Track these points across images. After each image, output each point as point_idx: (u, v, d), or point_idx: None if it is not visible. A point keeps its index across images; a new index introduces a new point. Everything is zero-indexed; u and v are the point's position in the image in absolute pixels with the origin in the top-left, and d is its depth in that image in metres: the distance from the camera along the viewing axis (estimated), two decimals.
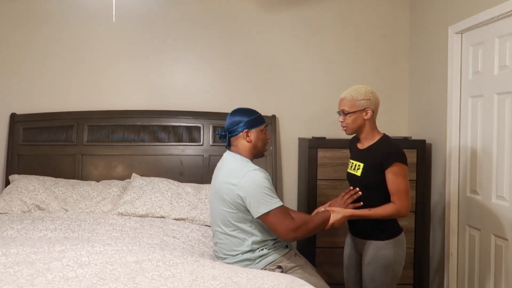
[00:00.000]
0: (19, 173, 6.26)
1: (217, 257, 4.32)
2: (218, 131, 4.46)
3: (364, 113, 4.26)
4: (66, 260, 3.73)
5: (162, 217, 5.49)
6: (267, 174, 4.13)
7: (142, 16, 6.61)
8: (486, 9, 4.90)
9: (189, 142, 6.48)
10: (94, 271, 3.52)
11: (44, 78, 6.56)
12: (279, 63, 6.76)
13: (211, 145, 6.47)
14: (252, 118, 4.32)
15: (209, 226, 5.37)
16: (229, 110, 6.48)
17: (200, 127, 6.48)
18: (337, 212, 4.16)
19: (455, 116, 5.51)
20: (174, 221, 5.43)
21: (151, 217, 5.49)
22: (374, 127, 4.36)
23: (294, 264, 4.21)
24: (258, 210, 3.94)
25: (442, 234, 5.74)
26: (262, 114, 6.40)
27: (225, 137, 4.34)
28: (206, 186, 5.96)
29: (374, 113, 4.31)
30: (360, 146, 4.41)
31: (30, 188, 5.79)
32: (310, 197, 5.93)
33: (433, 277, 6.03)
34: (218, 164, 4.38)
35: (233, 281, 3.53)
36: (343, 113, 4.30)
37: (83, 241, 4.28)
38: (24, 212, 5.55)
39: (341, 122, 4.34)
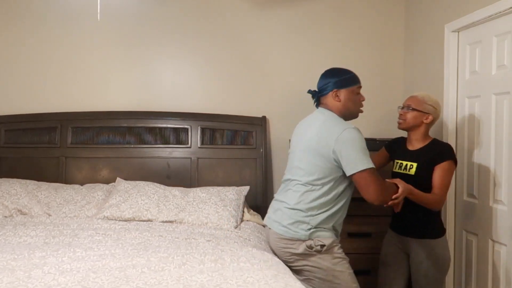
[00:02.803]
0: (0, 176, 6.20)
1: (275, 208, 4.41)
2: (310, 90, 4.43)
3: (425, 117, 4.65)
4: (47, 267, 3.71)
5: (149, 220, 5.43)
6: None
7: (128, 14, 6.56)
8: (484, 7, 4.87)
9: (177, 144, 6.43)
10: (76, 279, 3.49)
11: (26, 78, 6.50)
12: (270, 62, 6.73)
13: (199, 147, 6.41)
14: (342, 78, 4.25)
15: (199, 225, 5.37)
16: (218, 111, 6.52)
17: (188, 129, 6.43)
18: (402, 184, 4.26)
19: (451, 117, 5.48)
20: (162, 223, 5.38)
21: (138, 220, 5.43)
22: (427, 132, 4.74)
23: (343, 255, 4.24)
24: (355, 167, 3.91)
25: None
26: (252, 115, 6.43)
27: (315, 95, 4.37)
28: (193, 189, 5.89)
29: (433, 121, 4.71)
30: (411, 147, 4.77)
31: (12, 192, 5.72)
32: None
33: None
34: (307, 120, 4.39)
35: (219, 274, 3.64)
36: (407, 107, 4.68)
37: (64, 246, 4.26)
38: (5, 217, 5.48)
39: (401, 115, 4.71)
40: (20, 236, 4.66)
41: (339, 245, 4.19)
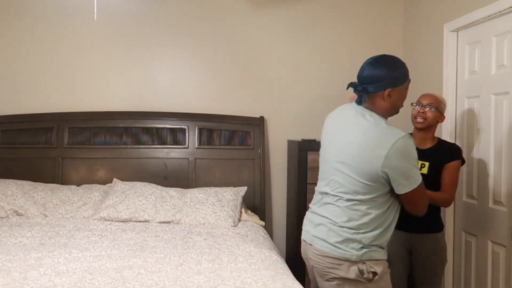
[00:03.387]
0: None
1: (313, 221, 3.77)
2: (352, 83, 3.60)
3: (441, 117, 4.61)
4: (43, 268, 3.71)
5: (146, 221, 5.43)
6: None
7: (125, 14, 6.54)
8: (483, 6, 4.87)
9: (174, 144, 6.43)
10: (72, 280, 3.49)
11: (23, 78, 6.48)
12: (268, 62, 6.73)
13: (197, 148, 6.40)
14: (399, 74, 3.53)
15: (196, 226, 5.36)
16: (215, 111, 6.49)
17: (185, 129, 6.42)
18: None
19: (450, 118, 5.48)
20: (159, 224, 5.37)
21: (135, 221, 5.42)
22: (434, 132, 4.70)
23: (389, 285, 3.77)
24: (409, 185, 3.43)
25: None
26: (250, 116, 6.42)
27: (362, 92, 3.55)
28: (191, 190, 5.89)
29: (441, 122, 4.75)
30: (421, 146, 4.60)
31: (8, 192, 5.70)
32: (300, 202, 5.90)
33: None
34: (343, 121, 3.68)
35: (217, 275, 3.63)
36: (430, 106, 4.53)
37: (60, 247, 4.26)
38: (1, 217, 5.47)
39: (421, 113, 4.54)
40: (16, 237, 4.65)
41: (389, 271, 3.70)
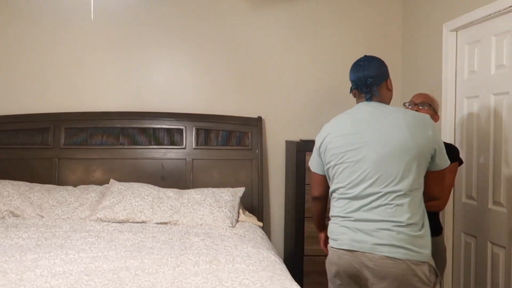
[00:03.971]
0: None
1: (366, 232, 3.53)
2: (357, 84, 3.76)
3: (436, 116, 4.53)
4: (39, 270, 3.71)
5: (143, 222, 5.42)
6: None
7: (122, 13, 6.54)
8: (483, 6, 4.87)
9: (171, 145, 6.42)
10: (69, 282, 3.48)
11: (19, 78, 6.48)
12: (266, 62, 6.72)
13: (194, 148, 6.40)
14: (385, 64, 3.87)
15: (193, 227, 5.35)
16: (213, 111, 6.49)
17: (182, 130, 6.42)
18: None
19: (449, 118, 5.47)
20: (156, 225, 5.37)
21: (132, 222, 5.42)
22: None
23: None
24: (447, 160, 3.64)
25: None
26: (248, 116, 6.42)
27: (369, 88, 3.71)
28: (188, 191, 5.89)
29: None
30: None
31: (4, 193, 5.70)
32: (298, 202, 5.89)
33: None
34: (363, 116, 3.65)
35: (215, 276, 3.62)
36: (423, 104, 4.49)
37: (56, 248, 4.26)
38: None
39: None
40: (12, 238, 4.64)
41: None
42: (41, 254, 4.04)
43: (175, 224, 5.41)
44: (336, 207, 3.69)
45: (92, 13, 6.18)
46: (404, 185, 3.47)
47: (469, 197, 5.22)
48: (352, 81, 3.80)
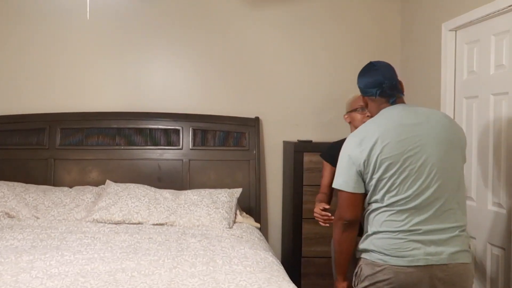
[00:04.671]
0: None
1: (433, 241, 3.41)
2: (383, 89, 3.61)
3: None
4: (35, 271, 3.70)
5: (139, 223, 5.43)
6: None
7: (118, 13, 6.53)
8: (482, 5, 4.85)
9: (168, 145, 6.42)
10: (65, 283, 3.48)
11: (14, 78, 6.48)
12: (263, 62, 6.71)
13: (191, 149, 6.40)
14: None
15: (190, 228, 5.35)
16: (210, 112, 6.48)
17: (179, 130, 6.42)
18: None
19: None
20: (152, 226, 5.38)
21: (128, 223, 5.42)
22: None
23: None
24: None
25: None
26: (245, 116, 6.42)
27: (394, 91, 3.62)
28: (185, 192, 5.89)
29: None
30: None
31: None
32: (296, 204, 5.90)
33: None
34: (402, 121, 3.46)
35: (212, 278, 3.61)
36: (364, 108, 4.26)
37: (52, 249, 4.25)
38: None
39: (367, 116, 4.18)
40: (7, 240, 4.64)
41: None
42: (37, 256, 4.03)
43: (171, 225, 5.41)
44: (394, 221, 3.42)
45: (88, 13, 6.17)
46: (462, 185, 3.51)
47: (468, 198, 5.20)
48: (372, 85, 3.66)
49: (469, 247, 3.53)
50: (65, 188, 6.01)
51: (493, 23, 4.84)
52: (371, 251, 3.49)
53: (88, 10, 6.19)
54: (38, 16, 6.46)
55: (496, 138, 4.79)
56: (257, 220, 6.14)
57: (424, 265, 3.36)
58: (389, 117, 3.52)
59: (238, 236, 5.02)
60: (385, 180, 3.40)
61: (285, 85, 6.71)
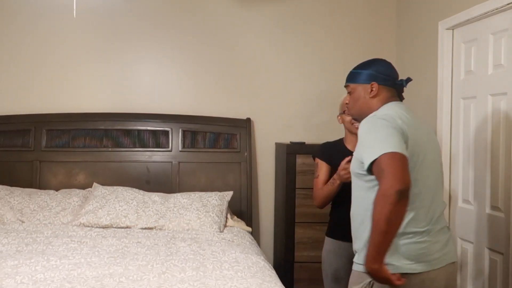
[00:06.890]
0: None
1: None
2: (401, 83, 3.62)
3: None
4: (20, 277, 3.70)
5: (127, 227, 5.43)
6: None
7: (106, 11, 6.52)
8: (480, 3, 4.86)
9: (157, 147, 6.41)
10: None
11: None
12: (254, 62, 6.72)
13: (181, 151, 6.39)
14: None
15: (180, 232, 5.34)
16: (200, 113, 6.48)
17: (168, 131, 6.41)
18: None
19: (445, 119, 5.46)
20: (141, 230, 5.37)
21: (116, 227, 5.41)
22: None
23: None
24: None
25: None
26: (236, 117, 6.42)
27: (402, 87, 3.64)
28: (174, 195, 5.88)
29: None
30: (352, 147, 4.35)
31: None
32: (288, 207, 5.89)
33: None
34: (409, 121, 3.26)
35: (202, 283, 3.61)
36: None
37: (37, 254, 4.25)
38: None
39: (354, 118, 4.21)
40: None
41: None
42: (22, 261, 4.03)
43: (160, 229, 5.40)
44: (416, 221, 3.18)
45: (74, 11, 6.15)
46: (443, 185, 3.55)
47: (466, 201, 5.21)
48: (390, 76, 3.69)
49: None
50: (51, 191, 6.00)
51: (491, 22, 4.84)
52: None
53: (75, 7, 6.17)
54: (24, 16, 6.44)
55: (494, 140, 4.78)
56: (249, 224, 6.13)
57: (445, 264, 3.27)
58: (398, 109, 3.36)
59: (229, 240, 5.03)
60: (415, 157, 3.19)
61: (277, 86, 6.72)
